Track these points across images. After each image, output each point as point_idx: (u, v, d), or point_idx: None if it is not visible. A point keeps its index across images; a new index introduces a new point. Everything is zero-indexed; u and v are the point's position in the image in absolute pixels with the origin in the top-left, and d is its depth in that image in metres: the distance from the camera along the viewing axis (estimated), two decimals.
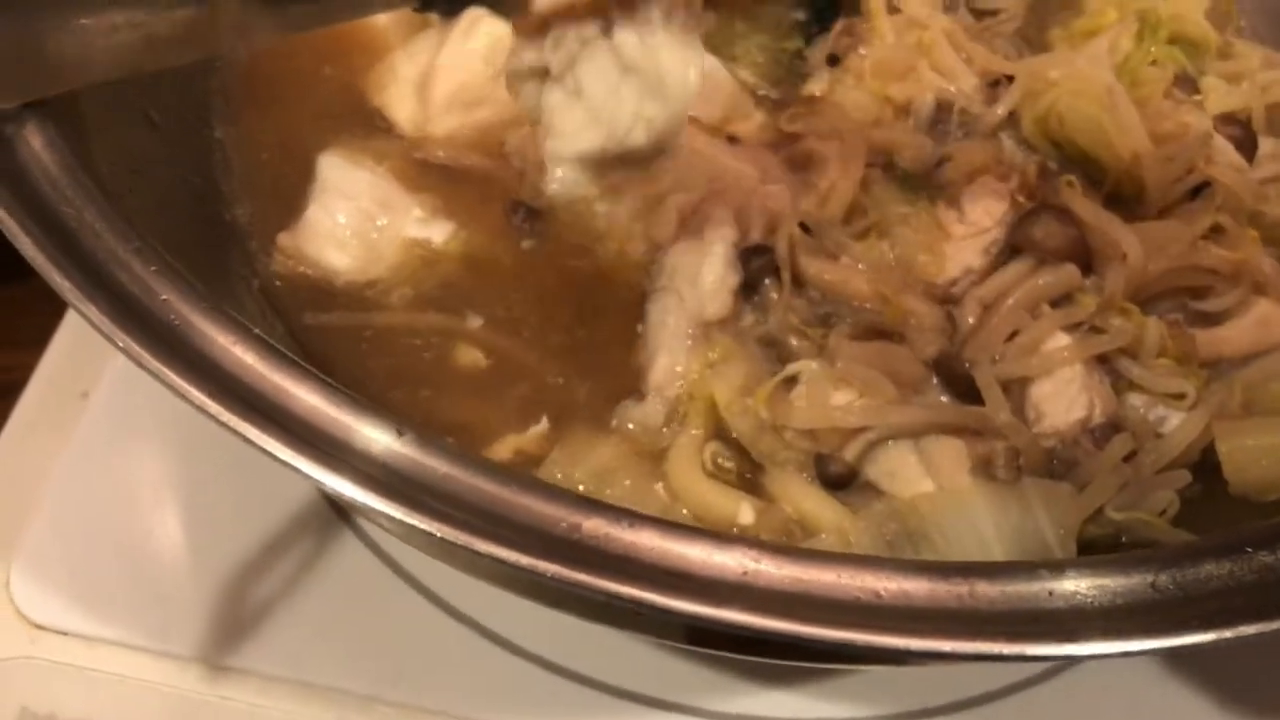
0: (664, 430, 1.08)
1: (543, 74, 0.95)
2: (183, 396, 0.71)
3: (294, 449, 0.69)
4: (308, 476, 0.69)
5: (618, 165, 0.95)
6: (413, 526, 0.66)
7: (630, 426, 1.08)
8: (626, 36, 0.88)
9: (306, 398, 0.73)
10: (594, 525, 0.68)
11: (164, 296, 0.76)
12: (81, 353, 1.31)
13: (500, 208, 1.21)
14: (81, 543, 1.18)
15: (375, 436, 0.72)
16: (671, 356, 1.09)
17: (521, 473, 0.75)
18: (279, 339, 1.09)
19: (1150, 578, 0.70)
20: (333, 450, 0.71)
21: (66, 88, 0.93)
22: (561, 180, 1.19)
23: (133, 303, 0.75)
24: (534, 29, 0.93)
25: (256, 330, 0.76)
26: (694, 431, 1.07)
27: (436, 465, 0.70)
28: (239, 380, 0.73)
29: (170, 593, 1.15)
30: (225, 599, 1.14)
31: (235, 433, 0.70)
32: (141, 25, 0.97)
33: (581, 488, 1.03)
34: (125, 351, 0.71)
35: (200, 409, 0.70)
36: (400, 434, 0.72)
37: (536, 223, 1.20)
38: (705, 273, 1.11)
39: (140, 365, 0.71)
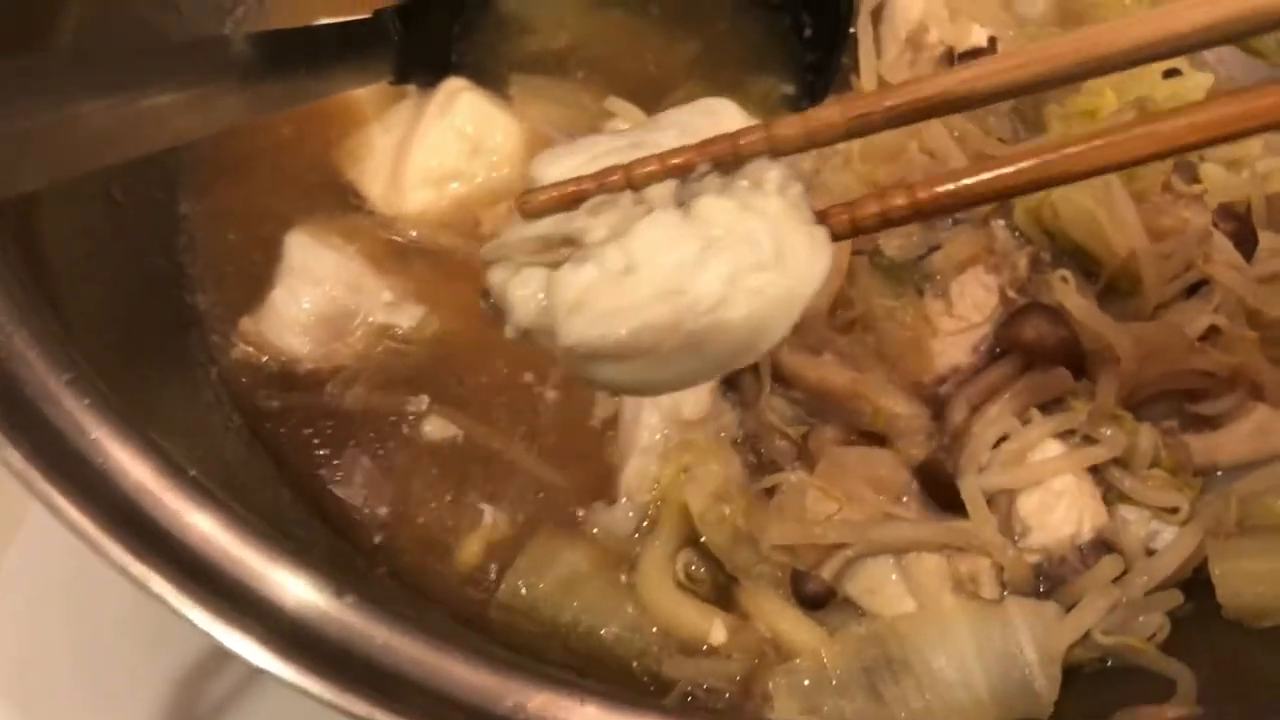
0: (635, 536, 1.04)
1: (553, 251, 0.70)
2: (95, 550, 0.66)
3: (212, 612, 0.65)
4: (219, 641, 0.64)
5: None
6: (344, 709, 0.62)
7: (597, 532, 1.04)
8: (720, 203, 0.69)
9: (232, 550, 0.69)
10: (540, 704, 0.64)
11: (93, 435, 0.71)
12: None
13: (473, 289, 1.17)
14: (29, 650, 1.13)
15: (309, 597, 0.68)
16: (644, 458, 1.05)
17: (466, 640, 0.70)
18: (235, 431, 1.06)
19: None
20: (256, 611, 0.66)
21: (88, 169, 0.91)
22: None
23: (59, 443, 0.71)
24: (558, 201, 0.71)
25: (193, 472, 0.72)
26: (666, 539, 1.03)
27: (375, 634, 0.66)
28: (169, 532, 0.69)
29: (119, 700, 1.10)
30: (172, 706, 1.09)
31: (146, 589, 0.65)
32: (184, 102, 0.95)
33: (546, 599, 0.99)
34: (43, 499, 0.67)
35: (109, 561, 0.66)
36: (340, 594, 0.68)
37: None
38: None
39: (56, 516, 0.67)
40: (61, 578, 1.16)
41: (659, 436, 1.06)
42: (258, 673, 1.09)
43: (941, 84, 0.72)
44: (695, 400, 1.07)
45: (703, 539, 1.03)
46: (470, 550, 1.06)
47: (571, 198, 0.69)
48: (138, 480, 0.71)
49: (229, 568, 0.69)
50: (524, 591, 0.99)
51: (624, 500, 1.04)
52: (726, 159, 0.70)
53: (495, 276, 0.72)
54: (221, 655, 1.09)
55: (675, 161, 0.69)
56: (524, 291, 0.71)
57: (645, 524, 1.04)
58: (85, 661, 1.12)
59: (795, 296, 0.69)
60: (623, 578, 1.02)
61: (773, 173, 0.69)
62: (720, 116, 0.74)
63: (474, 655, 0.66)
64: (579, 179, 0.70)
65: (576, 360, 0.70)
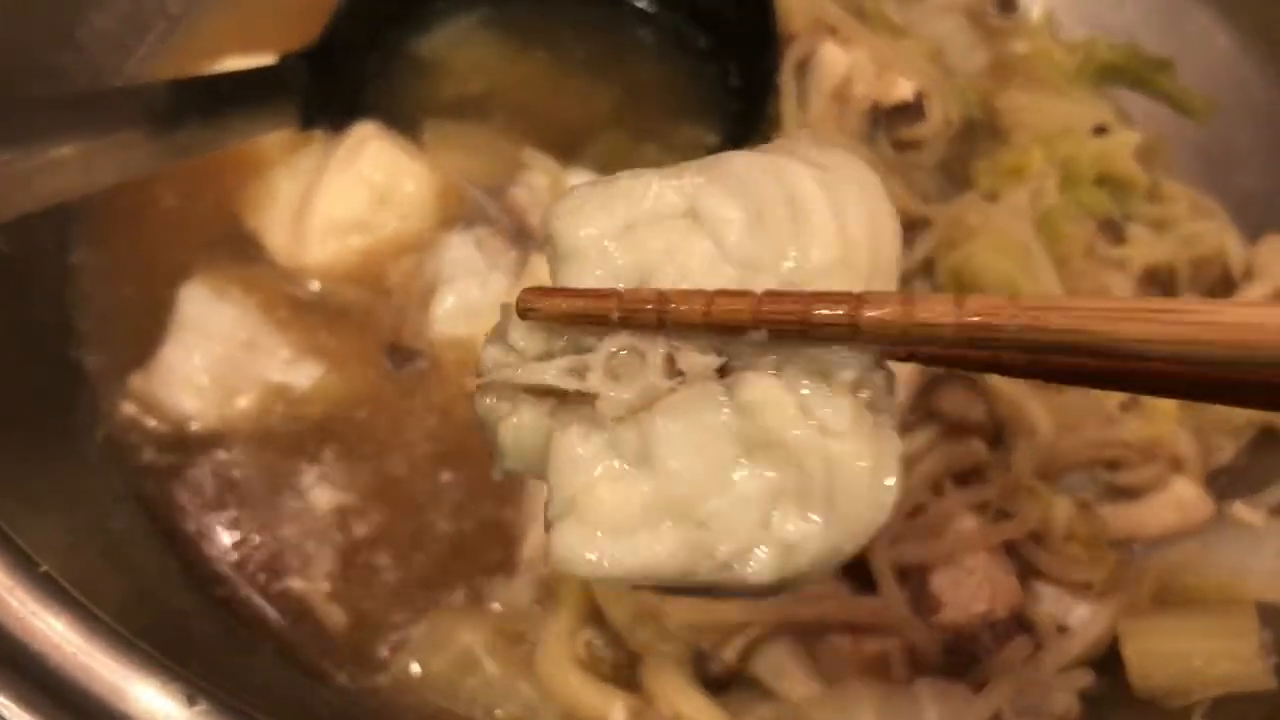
0: (535, 607, 1.01)
1: (558, 396, 0.56)
2: None
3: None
4: None
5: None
6: None
7: (496, 606, 1.00)
8: (773, 394, 0.52)
9: (76, 651, 0.65)
10: None
11: None
12: None
13: (377, 345, 1.13)
14: None
15: (160, 706, 0.64)
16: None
17: None
18: (119, 500, 1.01)
19: None
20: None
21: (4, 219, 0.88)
22: (445, 320, 1.13)
23: None
24: (569, 318, 0.55)
25: (44, 569, 0.67)
26: (567, 615, 0.99)
27: None
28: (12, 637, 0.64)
29: None
30: None
31: None
32: (85, 154, 0.91)
33: (441, 678, 0.96)
34: None
35: None
36: (192, 702, 0.63)
37: (415, 366, 1.12)
38: None
39: None
40: None
41: None
42: None
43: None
44: None
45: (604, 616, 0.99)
46: (361, 625, 1.01)
47: (589, 320, 0.54)
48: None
49: (74, 673, 0.65)
50: (418, 670, 0.95)
51: (523, 571, 1.00)
52: (791, 330, 0.51)
53: (485, 405, 0.57)
54: None
55: (724, 317, 0.52)
56: (521, 438, 0.56)
57: (546, 597, 1.00)
58: None
59: (838, 554, 0.53)
60: (523, 655, 0.98)
61: (849, 367, 0.52)
62: (791, 185, 0.55)
63: None
64: (603, 295, 0.54)
65: None
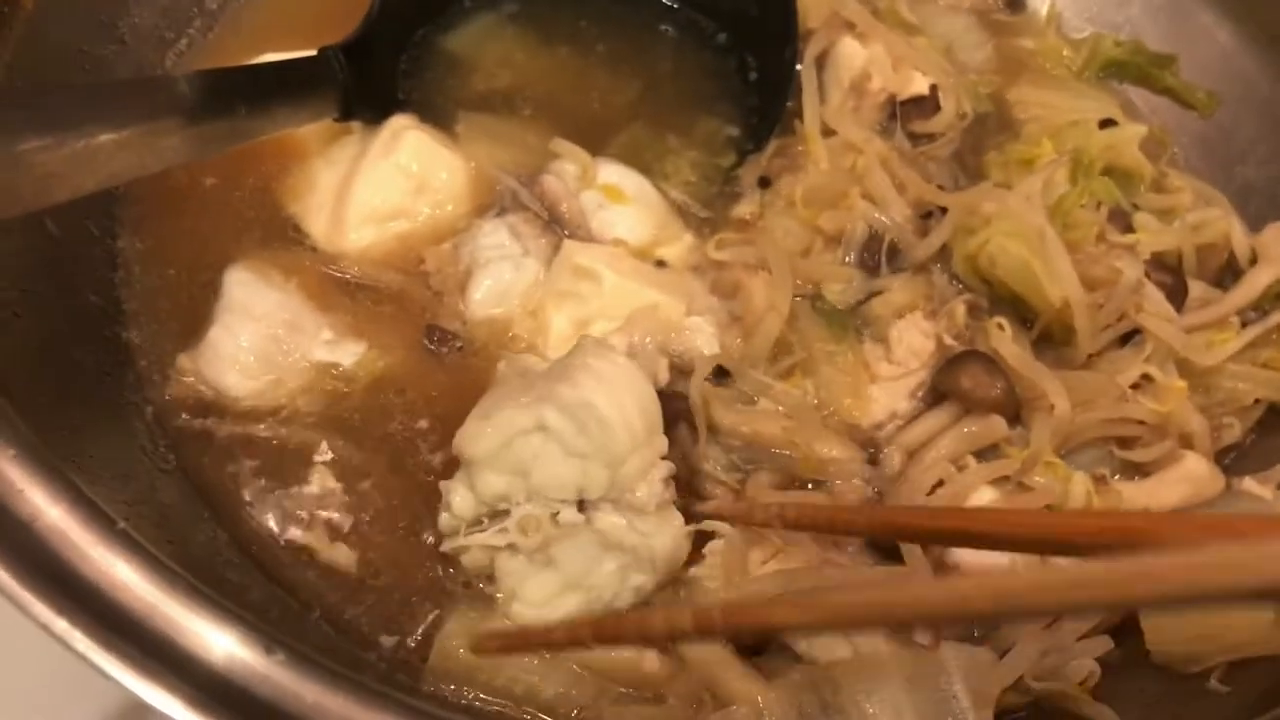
0: None
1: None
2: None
3: (137, 670, 0.63)
4: (148, 702, 0.63)
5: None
6: None
7: None
8: (612, 520, 0.96)
9: (160, 605, 0.68)
10: None
11: (20, 487, 0.70)
12: None
13: (415, 327, 1.17)
14: None
15: (239, 654, 0.67)
16: None
17: (399, 700, 0.69)
18: (169, 473, 1.04)
19: None
20: (183, 669, 0.65)
21: (31, 208, 0.90)
22: (480, 303, 1.16)
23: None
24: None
25: (121, 524, 0.70)
26: None
27: (305, 692, 0.65)
28: (93, 587, 0.67)
29: None
30: None
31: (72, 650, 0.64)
32: (125, 142, 0.94)
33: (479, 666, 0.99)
34: None
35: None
36: (270, 651, 0.67)
37: (452, 345, 1.15)
38: None
39: None
40: None
41: None
42: None
43: None
44: None
45: None
46: (404, 594, 1.04)
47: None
48: (65, 533, 0.69)
49: (157, 623, 0.68)
50: (460, 654, 0.98)
51: None
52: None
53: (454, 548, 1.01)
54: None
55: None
56: (476, 562, 1.01)
57: None
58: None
59: (661, 583, 1.01)
60: None
61: (644, 494, 0.97)
62: (592, 403, 0.96)
63: (408, 714, 0.65)
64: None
65: None
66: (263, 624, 0.73)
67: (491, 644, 0.91)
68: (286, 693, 0.65)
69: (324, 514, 1.06)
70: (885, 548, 1.05)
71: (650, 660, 1.00)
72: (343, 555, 1.05)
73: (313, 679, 0.66)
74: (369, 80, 1.23)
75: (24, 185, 0.89)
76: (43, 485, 0.71)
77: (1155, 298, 1.18)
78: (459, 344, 1.15)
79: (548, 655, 0.97)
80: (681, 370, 1.14)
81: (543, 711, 0.98)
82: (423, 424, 1.11)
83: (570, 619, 0.97)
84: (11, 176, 0.88)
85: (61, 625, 0.63)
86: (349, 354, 1.13)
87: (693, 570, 1.04)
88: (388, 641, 1.02)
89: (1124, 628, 1.05)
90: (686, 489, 1.08)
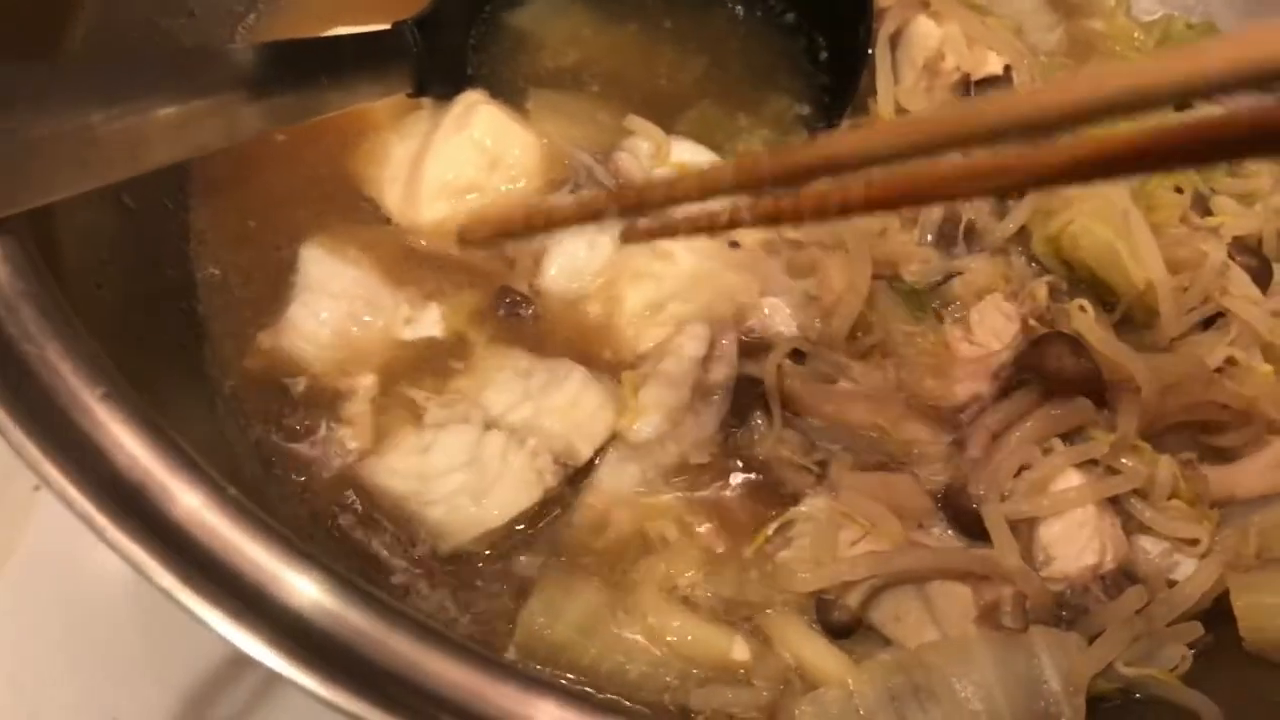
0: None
1: None
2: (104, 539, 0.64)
3: (231, 616, 0.63)
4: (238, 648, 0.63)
5: None
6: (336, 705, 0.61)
7: None
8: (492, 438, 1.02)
9: (249, 552, 0.67)
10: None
11: (124, 444, 0.70)
12: None
13: (489, 300, 1.15)
14: (27, 650, 1.10)
15: (308, 591, 0.67)
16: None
17: (479, 651, 0.69)
18: (250, 447, 1.04)
19: None
20: (272, 615, 0.65)
21: (98, 183, 0.88)
22: (555, 279, 1.15)
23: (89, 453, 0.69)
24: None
25: (231, 489, 0.70)
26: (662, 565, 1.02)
27: (392, 641, 0.65)
28: (203, 547, 0.67)
29: (121, 710, 1.08)
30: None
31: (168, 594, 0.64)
32: (191, 115, 0.92)
33: (565, 642, 0.98)
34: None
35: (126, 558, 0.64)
36: (358, 602, 0.66)
37: (525, 311, 1.14)
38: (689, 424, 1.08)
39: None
40: (57, 594, 1.13)
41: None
42: (267, 684, 1.09)
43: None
44: (647, 423, 1.07)
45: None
46: (485, 577, 1.04)
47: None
48: (179, 500, 0.69)
49: (247, 570, 0.68)
50: (547, 633, 0.97)
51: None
52: None
53: None
54: (225, 672, 1.08)
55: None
56: None
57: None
58: (84, 677, 1.09)
59: (480, 523, 1.01)
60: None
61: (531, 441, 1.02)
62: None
63: (495, 668, 0.65)
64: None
65: None
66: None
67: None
68: (375, 641, 0.65)
69: (403, 494, 1.05)
70: (971, 529, 1.04)
71: (740, 647, 0.99)
72: (423, 542, 1.04)
73: (402, 631, 0.66)
74: (440, 55, 1.22)
75: (89, 158, 0.87)
76: (153, 450, 0.71)
77: (1240, 280, 1.17)
78: (531, 309, 1.14)
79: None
80: (755, 354, 1.13)
81: (627, 692, 0.96)
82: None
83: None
84: (75, 148, 0.86)
85: (168, 579, 0.63)
86: (425, 328, 1.12)
87: (781, 554, 1.02)
88: (466, 618, 1.01)
89: (1214, 617, 1.04)
90: (764, 475, 1.08)
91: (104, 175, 0.86)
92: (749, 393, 1.10)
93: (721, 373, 1.10)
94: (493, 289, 1.16)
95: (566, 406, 1.06)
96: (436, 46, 1.21)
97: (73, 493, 0.67)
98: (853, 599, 0.98)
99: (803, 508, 1.02)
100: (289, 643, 0.67)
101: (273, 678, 1.06)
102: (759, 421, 1.10)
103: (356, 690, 0.65)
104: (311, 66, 1.09)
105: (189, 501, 0.70)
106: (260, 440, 1.05)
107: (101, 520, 0.68)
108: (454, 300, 1.14)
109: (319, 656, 0.67)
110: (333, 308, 1.09)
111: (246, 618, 0.67)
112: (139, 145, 0.89)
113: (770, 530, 1.02)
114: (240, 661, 1.07)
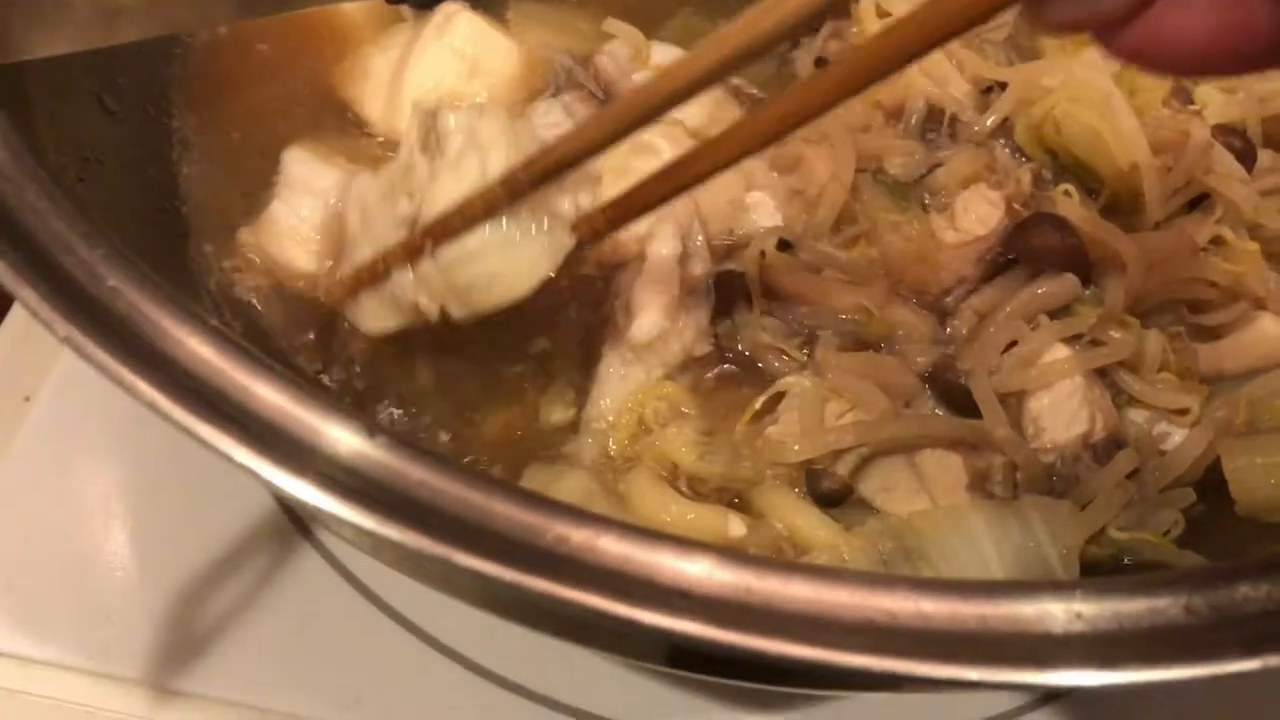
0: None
1: None
2: (130, 391, 0.64)
3: (253, 450, 0.63)
4: (268, 482, 0.62)
5: None
6: (385, 537, 0.60)
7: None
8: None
9: (267, 395, 0.67)
10: (584, 538, 0.62)
11: (111, 283, 0.69)
12: (23, 355, 1.23)
13: None
14: (18, 556, 1.11)
15: (343, 438, 0.66)
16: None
17: (502, 480, 0.69)
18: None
19: (1183, 600, 0.65)
20: (296, 453, 0.64)
21: (76, 47, 0.87)
22: None
23: (78, 289, 0.69)
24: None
25: (213, 321, 0.70)
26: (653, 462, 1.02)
27: (410, 471, 0.64)
28: (194, 375, 0.67)
29: (114, 610, 1.08)
30: (174, 617, 1.06)
31: (188, 432, 0.63)
32: None
33: None
34: (68, 341, 0.65)
35: (149, 405, 0.64)
36: (371, 435, 0.66)
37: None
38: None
39: (84, 356, 0.65)
40: (52, 488, 1.14)
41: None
42: (258, 582, 1.09)
43: None
44: (646, 323, 1.06)
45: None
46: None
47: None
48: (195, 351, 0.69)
49: (280, 421, 0.67)
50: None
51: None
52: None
53: None
54: (217, 571, 1.08)
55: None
56: None
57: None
58: (76, 572, 1.10)
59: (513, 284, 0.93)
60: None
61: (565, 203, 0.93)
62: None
63: (509, 491, 0.64)
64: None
65: None
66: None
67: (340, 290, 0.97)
68: (395, 473, 0.64)
69: (388, 387, 1.05)
70: (960, 405, 1.04)
71: (736, 524, 0.98)
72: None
73: (417, 461, 0.65)
74: None
75: (66, 20, 0.87)
76: (163, 310, 0.71)
77: (1225, 159, 1.16)
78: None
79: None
80: (737, 253, 1.12)
81: None
82: None
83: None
84: (54, 10, 0.86)
85: (207, 430, 0.63)
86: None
87: (770, 429, 1.02)
88: None
89: (1208, 484, 1.03)
90: (748, 364, 1.07)
91: (77, 40, 0.85)
92: (731, 286, 1.10)
93: (699, 268, 1.10)
94: None
95: None
96: None
97: (61, 323, 0.66)
98: (842, 467, 0.98)
99: (789, 378, 1.01)
100: (335, 485, 0.65)
101: (265, 573, 1.07)
102: (746, 314, 1.10)
103: (402, 521, 0.64)
104: None
105: (183, 338, 0.69)
106: (244, 335, 1.04)
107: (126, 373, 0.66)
108: None
109: (366, 498, 0.65)
110: (314, 205, 1.09)
111: (294, 466, 0.65)
112: (114, 15, 0.88)
113: (758, 404, 1.01)
114: (231, 560, 1.08)
